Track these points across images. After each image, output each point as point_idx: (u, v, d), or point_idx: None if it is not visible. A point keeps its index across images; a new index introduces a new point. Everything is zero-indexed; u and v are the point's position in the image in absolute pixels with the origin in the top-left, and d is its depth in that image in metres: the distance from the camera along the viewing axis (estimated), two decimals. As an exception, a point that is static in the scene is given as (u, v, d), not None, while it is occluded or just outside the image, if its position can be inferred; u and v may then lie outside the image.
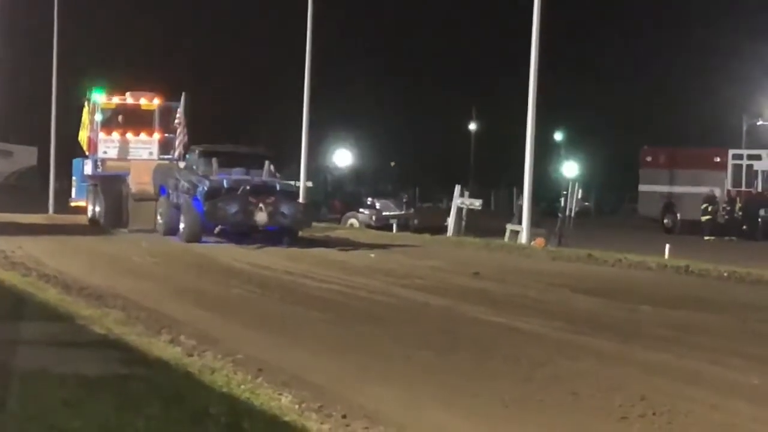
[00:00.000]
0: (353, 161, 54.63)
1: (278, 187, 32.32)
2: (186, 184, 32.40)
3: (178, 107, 38.97)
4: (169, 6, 79.15)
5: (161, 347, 13.04)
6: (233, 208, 30.63)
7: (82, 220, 40.24)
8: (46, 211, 50.54)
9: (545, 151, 53.48)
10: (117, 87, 41.44)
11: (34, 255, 25.55)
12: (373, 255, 29.73)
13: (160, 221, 34.11)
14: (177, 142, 38.54)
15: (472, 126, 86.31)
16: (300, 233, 33.10)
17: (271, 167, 33.37)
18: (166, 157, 38.68)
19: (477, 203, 42.36)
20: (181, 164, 34.95)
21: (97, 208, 39.00)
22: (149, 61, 69.86)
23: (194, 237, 31.37)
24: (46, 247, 28.29)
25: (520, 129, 37.57)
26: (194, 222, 31.45)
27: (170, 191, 33.67)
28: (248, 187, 31.12)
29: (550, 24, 37.34)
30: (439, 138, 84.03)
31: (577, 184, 40.03)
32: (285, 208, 31.29)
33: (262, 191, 31.32)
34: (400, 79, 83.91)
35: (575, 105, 76.74)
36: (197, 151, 33.82)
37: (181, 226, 32.04)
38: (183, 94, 38.68)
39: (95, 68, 58.09)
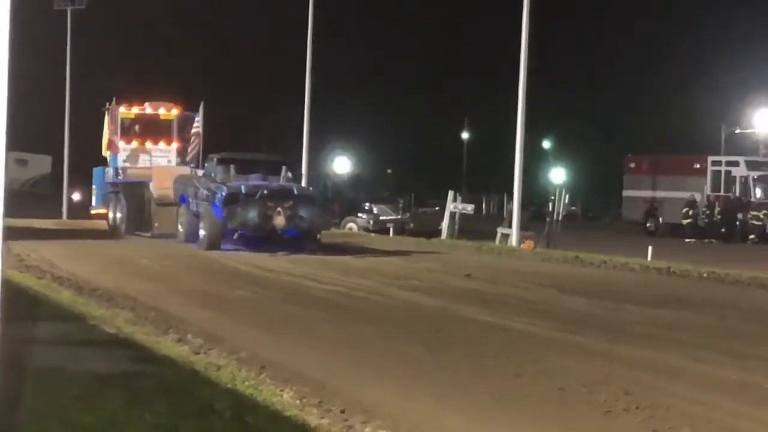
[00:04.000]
0: (352, 168, 54.67)
1: (295, 192, 31.46)
2: (205, 192, 31.61)
3: (196, 117, 38.38)
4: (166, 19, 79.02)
5: (169, 346, 13.04)
6: (252, 213, 29.79)
7: (94, 225, 40.31)
8: (59, 216, 50.57)
9: (534, 158, 53.45)
10: (129, 96, 40.98)
11: (48, 258, 25.54)
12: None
13: (181, 229, 33.43)
14: (189, 149, 38.16)
15: (465, 135, 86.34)
16: (320, 238, 31.97)
17: (288, 173, 32.65)
18: (185, 165, 37.93)
19: (469, 208, 42.38)
20: (200, 172, 34.23)
21: (118, 215, 38.68)
22: (158, 71, 69.68)
23: (214, 244, 30.41)
24: (59, 251, 28.27)
25: (510, 137, 37.65)
26: (214, 228, 30.47)
27: (190, 199, 32.95)
28: (266, 192, 30.33)
29: (538, 36, 37.40)
30: (433, 146, 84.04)
31: (564, 190, 40.03)
32: (303, 212, 30.25)
33: (280, 196, 30.50)
34: (396, 89, 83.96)
35: (563, 114, 76.80)
36: (215, 159, 32.91)
37: (201, 233, 31.12)
38: (202, 103, 38.14)
39: (108, 79, 58.06)
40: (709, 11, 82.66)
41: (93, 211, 42.77)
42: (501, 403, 10.67)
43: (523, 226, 37.58)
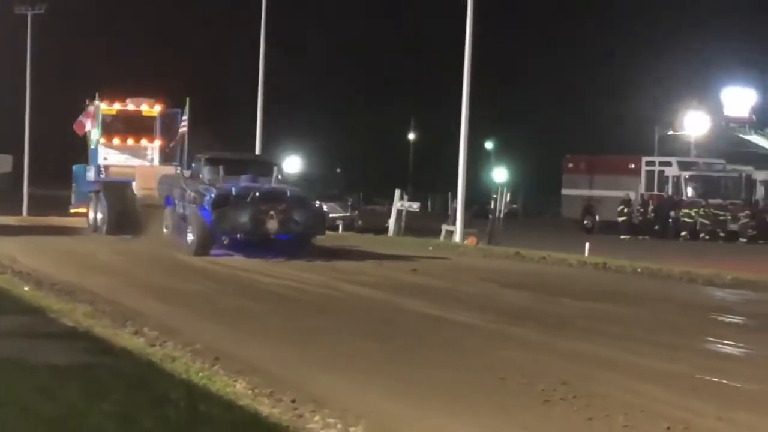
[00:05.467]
0: (302, 167, 54.56)
1: (289, 194, 28.32)
2: (192, 194, 28.63)
3: (178, 114, 35.86)
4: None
5: (126, 338, 12.98)
6: (243, 217, 26.88)
7: (54, 222, 39.89)
8: (20, 213, 50.09)
9: (477, 159, 53.51)
10: (110, 93, 37.91)
11: (9, 254, 25.33)
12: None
13: (166, 232, 30.40)
14: (176, 147, 35.49)
15: (411, 136, 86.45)
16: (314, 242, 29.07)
17: (279, 174, 30.21)
18: (171, 163, 34.93)
19: (415, 206, 42.45)
20: (186, 173, 31.01)
21: (99, 215, 36.22)
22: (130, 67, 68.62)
23: (204, 248, 27.41)
24: (20, 247, 28.06)
25: (454, 138, 37.73)
26: (203, 232, 27.45)
27: (176, 201, 30.01)
28: (258, 194, 27.56)
29: (481, 41, 37.52)
30: (381, 147, 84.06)
31: (505, 189, 40.17)
32: (297, 215, 27.41)
33: (272, 198, 27.60)
34: (347, 90, 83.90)
35: (505, 117, 77.03)
36: (203, 159, 29.85)
37: (189, 237, 27.98)
38: (188, 99, 35.26)
39: (73, 79, 57.27)
40: (642, 19, 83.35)
41: (72, 210, 40.29)
42: (445, 393, 10.69)
43: (467, 224, 37.69)
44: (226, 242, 27.81)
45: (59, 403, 8.83)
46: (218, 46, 79.32)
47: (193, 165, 30.83)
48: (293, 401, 9.78)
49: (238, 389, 10.13)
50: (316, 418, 9.15)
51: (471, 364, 12.41)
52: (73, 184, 40.09)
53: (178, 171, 32.09)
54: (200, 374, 10.65)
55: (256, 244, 27.43)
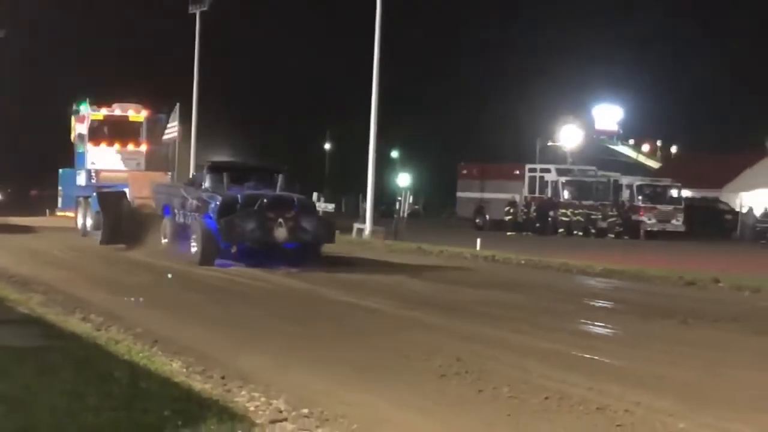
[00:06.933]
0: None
1: (296, 201, 24.23)
2: (195, 202, 24.84)
3: (167, 119, 33.11)
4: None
5: (75, 324, 12.80)
6: (251, 225, 23.07)
7: (10, 221, 39.03)
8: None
9: (384, 165, 53.55)
10: (97, 98, 34.89)
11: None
12: None
13: (165, 242, 26.22)
14: (165, 153, 32.81)
15: (327, 145, 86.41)
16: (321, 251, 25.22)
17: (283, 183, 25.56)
18: (167, 172, 31.95)
19: (330, 206, 42.34)
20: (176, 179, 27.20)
21: (88, 221, 31.92)
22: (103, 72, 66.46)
23: (209, 258, 23.39)
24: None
25: (364, 147, 37.76)
26: (209, 242, 23.45)
27: (175, 210, 26.03)
28: (265, 201, 23.59)
29: (389, 57, 37.61)
30: (299, 155, 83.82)
31: (408, 192, 40.31)
32: (305, 223, 23.66)
33: (281, 205, 23.65)
34: (269, 99, 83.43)
35: (409, 127, 77.26)
36: (205, 167, 25.81)
37: (193, 247, 23.94)
38: (177, 105, 32.68)
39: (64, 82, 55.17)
40: (528, 46, 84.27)
41: (59, 213, 36.90)
42: (356, 368, 10.68)
43: (375, 222, 37.74)
44: (233, 251, 23.68)
45: (15, 381, 8.68)
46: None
47: (194, 173, 26.30)
48: (223, 378, 9.71)
49: (174, 368, 10.03)
50: (243, 392, 9.09)
51: (379, 344, 12.41)
52: (60, 188, 36.85)
53: (170, 177, 28.72)
54: (141, 355, 10.52)
55: (262, 254, 23.63)
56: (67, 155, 36.64)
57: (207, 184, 24.97)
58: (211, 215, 23.66)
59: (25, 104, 55.57)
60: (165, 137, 33.28)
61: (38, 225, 36.66)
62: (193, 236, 24.03)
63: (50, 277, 19.32)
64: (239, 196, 23.83)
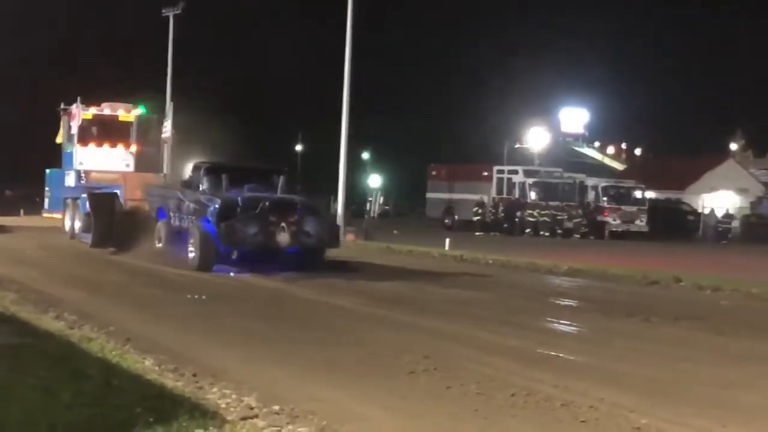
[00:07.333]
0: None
1: (299, 203, 22.79)
2: (192, 205, 23.31)
3: (155, 119, 31.94)
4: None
5: (48, 322, 12.74)
6: (252, 229, 21.72)
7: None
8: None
9: (355, 167, 53.52)
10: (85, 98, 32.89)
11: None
12: None
13: (159, 246, 24.80)
14: (156, 154, 31.48)
15: (299, 147, 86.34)
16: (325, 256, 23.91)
17: (284, 184, 23.92)
18: (160, 173, 30.48)
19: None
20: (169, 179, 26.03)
21: (77, 223, 30.47)
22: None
23: (207, 263, 22.04)
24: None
25: (336, 149, 37.75)
26: (208, 246, 22.06)
27: (171, 213, 24.49)
28: (267, 204, 22.17)
29: (360, 59, 37.65)
30: (273, 157, 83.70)
31: (379, 192, 40.35)
32: (309, 227, 22.34)
33: (283, 208, 22.25)
34: (243, 102, 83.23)
35: (379, 130, 77.37)
36: (203, 168, 24.03)
37: (190, 252, 22.49)
38: (170, 104, 31.23)
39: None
40: (497, 50, 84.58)
41: (45, 215, 35.03)
42: (325, 365, 10.69)
43: (347, 222, 37.72)
44: (234, 256, 22.66)
45: (-12, 379, 8.64)
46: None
47: (191, 174, 24.62)
48: (194, 375, 9.70)
49: (147, 365, 10.00)
50: (215, 389, 9.09)
51: (347, 341, 12.43)
52: (47, 189, 34.99)
53: (165, 179, 27.59)
54: (113, 353, 10.49)
55: (263, 259, 22.38)
56: (46, 155, 35.68)
57: (205, 185, 23.54)
58: (210, 219, 22.28)
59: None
60: (163, 136, 32.35)
61: (14, 225, 36.38)
62: (191, 240, 22.67)
63: (24, 275, 19.24)
64: (239, 198, 22.43)
